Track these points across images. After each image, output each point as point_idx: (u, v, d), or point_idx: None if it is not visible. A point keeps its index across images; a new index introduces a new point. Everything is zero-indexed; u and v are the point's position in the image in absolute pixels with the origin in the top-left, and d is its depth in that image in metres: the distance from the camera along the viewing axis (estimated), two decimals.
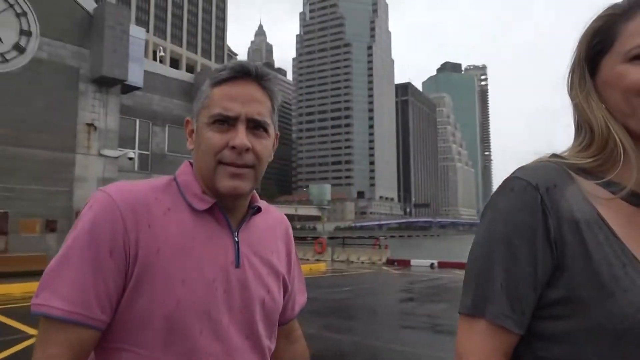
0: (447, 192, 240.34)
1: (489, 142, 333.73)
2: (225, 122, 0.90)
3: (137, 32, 16.90)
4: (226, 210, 0.94)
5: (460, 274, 15.54)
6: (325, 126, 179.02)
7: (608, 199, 0.72)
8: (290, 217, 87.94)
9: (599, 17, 0.77)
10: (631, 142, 0.72)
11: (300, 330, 1.21)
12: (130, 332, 0.86)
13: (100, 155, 15.30)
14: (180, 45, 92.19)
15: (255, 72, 0.93)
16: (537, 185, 0.72)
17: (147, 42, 76.23)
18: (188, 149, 0.96)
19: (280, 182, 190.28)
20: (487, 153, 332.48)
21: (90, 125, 15.22)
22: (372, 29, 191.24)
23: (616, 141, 0.72)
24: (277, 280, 1.02)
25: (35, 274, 8.29)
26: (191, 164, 0.98)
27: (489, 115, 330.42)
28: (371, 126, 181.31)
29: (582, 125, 0.77)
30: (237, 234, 0.95)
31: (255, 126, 0.92)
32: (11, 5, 13.76)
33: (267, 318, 0.98)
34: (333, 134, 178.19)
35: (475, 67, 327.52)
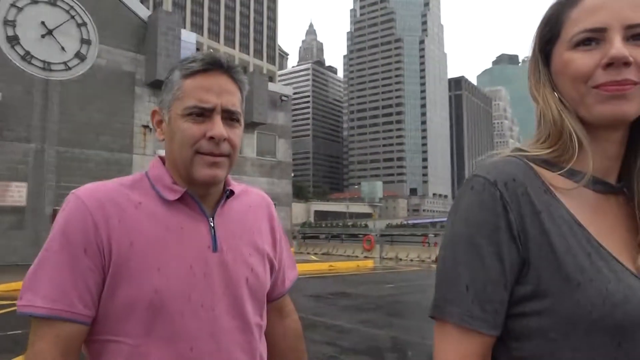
0: None
1: None
2: (201, 114, 0.93)
3: (188, 37, 17.61)
4: (199, 197, 0.98)
5: None
6: (377, 123, 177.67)
7: (571, 189, 0.71)
8: (342, 215, 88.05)
9: (550, 7, 0.76)
10: (583, 130, 0.71)
11: (292, 305, 1.25)
12: (114, 323, 0.90)
13: (156, 154, 16.12)
14: (233, 47, 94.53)
15: (226, 64, 0.97)
16: (495, 181, 0.71)
17: (201, 44, 78.81)
18: (158, 139, 1.01)
19: (332, 180, 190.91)
20: None
21: (145, 126, 16.04)
22: (424, 23, 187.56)
23: (570, 130, 0.71)
24: (262, 258, 1.05)
25: None
26: (161, 158, 1.02)
27: None
28: (424, 122, 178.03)
29: (540, 116, 0.76)
30: (213, 219, 0.98)
31: (230, 117, 0.96)
32: (72, 17, 14.74)
33: (253, 296, 1.01)
34: (385, 131, 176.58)
35: None
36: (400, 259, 20.99)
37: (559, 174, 0.72)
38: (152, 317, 0.89)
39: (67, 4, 14.66)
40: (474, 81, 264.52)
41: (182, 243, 0.94)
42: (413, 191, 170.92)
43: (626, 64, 0.67)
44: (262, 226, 1.09)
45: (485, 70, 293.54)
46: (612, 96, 0.68)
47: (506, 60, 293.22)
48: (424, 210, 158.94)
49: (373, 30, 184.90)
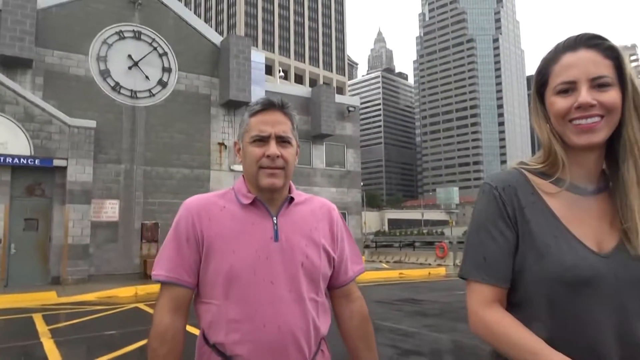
0: None
1: None
2: (262, 140, 1.32)
3: (257, 57, 18.56)
4: (267, 201, 1.36)
5: None
6: (451, 127, 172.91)
7: (556, 192, 1.04)
8: (417, 222, 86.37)
9: (541, 61, 1.08)
10: (563, 152, 1.03)
11: (360, 293, 1.53)
12: (208, 289, 1.31)
13: (231, 170, 17.11)
14: (303, 61, 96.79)
15: (278, 103, 1.36)
16: (496, 187, 1.06)
17: (272, 61, 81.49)
18: (238, 161, 1.47)
19: (405, 187, 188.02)
20: None
21: (221, 144, 17.13)
22: (498, 21, 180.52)
23: (555, 152, 1.03)
24: (317, 249, 1.36)
25: None
26: (244, 177, 1.41)
27: None
28: (501, 123, 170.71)
29: (539, 140, 1.09)
30: (276, 218, 1.34)
31: (282, 140, 1.34)
32: (155, 48, 16.17)
33: (309, 277, 1.33)
34: (459, 135, 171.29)
35: (623, 48, 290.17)
36: None
37: (549, 182, 1.05)
38: (229, 285, 1.28)
39: (150, 37, 16.12)
40: None
41: (252, 234, 1.32)
42: None
43: (591, 106, 0.98)
44: (321, 226, 1.41)
45: None
46: (585, 130, 0.99)
47: None
48: None
49: (443, 33, 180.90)
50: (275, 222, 1.34)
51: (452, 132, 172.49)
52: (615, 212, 1.03)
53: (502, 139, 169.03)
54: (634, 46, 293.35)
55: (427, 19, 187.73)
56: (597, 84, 0.98)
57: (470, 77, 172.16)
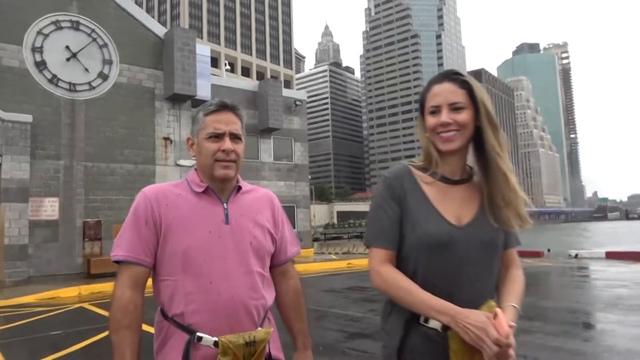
0: (530, 179, 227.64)
1: (575, 125, 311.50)
2: (217, 136, 1.52)
3: (203, 50, 18.29)
4: (218, 190, 1.55)
5: (529, 262, 15.30)
6: (397, 120, 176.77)
7: (431, 182, 1.43)
8: (366, 214, 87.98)
9: (422, 91, 1.46)
10: (436, 154, 1.42)
11: (295, 271, 1.76)
12: (165, 267, 1.47)
13: (177, 165, 16.82)
14: (250, 54, 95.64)
15: (231, 105, 1.56)
16: (389, 177, 1.44)
17: (218, 53, 79.98)
18: (191, 155, 1.61)
19: (354, 180, 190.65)
20: (572, 136, 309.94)
21: (166, 139, 16.80)
22: (440, 17, 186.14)
23: (431, 154, 1.43)
24: (262, 230, 1.58)
25: None
26: (196, 170, 1.60)
27: (573, 96, 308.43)
28: None
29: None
30: (226, 204, 1.54)
31: (234, 137, 1.54)
32: (94, 39, 15.59)
33: (256, 253, 1.53)
34: (405, 128, 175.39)
35: (555, 45, 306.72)
36: None
37: (428, 174, 1.45)
38: (185, 262, 1.44)
39: (89, 27, 15.51)
40: (495, 73, 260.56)
41: (205, 218, 1.50)
42: None
43: (449, 124, 1.37)
44: (265, 211, 1.63)
45: (506, 60, 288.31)
46: (446, 140, 1.38)
47: (526, 49, 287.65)
48: None
49: (389, 28, 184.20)
50: (225, 207, 1.54)
51: (398, 125, 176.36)
52: (473, 195, 1.43)
53: None
54: (565, 44, 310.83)
55: (372, 14, 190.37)
56: (454, 107, 1.37)
57: (414, 72, 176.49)
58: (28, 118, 13.38)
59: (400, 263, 1.39)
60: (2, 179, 12.72)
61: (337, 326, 6.71)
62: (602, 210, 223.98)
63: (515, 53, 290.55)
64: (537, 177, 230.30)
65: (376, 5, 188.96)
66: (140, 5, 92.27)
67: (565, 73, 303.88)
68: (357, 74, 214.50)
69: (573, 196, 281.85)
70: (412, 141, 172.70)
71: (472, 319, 1.22)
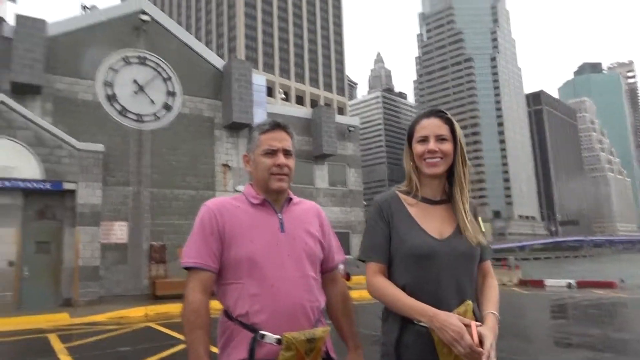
0: (600, 206, 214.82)
1: None
2: (272, 153, 1.70)
3: (259, 80, 19.03)
4: (272, 202, 1.72)
5: (600, 293, 14.39)
6: None
7: (414, 203, 1.69)
8: None
9: (411, 123, 1.72)
10: (417, 179, 1.70)
11: (341, 277, 1.91)
12: (230, 272, 1.62)
13: (235, 190, 17.39)
14: (303, 82, 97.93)
15: (282, 124, 1.75)
16: (379, 202, 1.71)
17: (273, 83, 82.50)
18: (247, 170, 1.80)
19: None
20: None
21: (225, 165, 17.46)
22: (494, 40, 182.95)
23: (413, 179, 1.70)
24: (313, 238, 1.74)
25: None
26: (251, 184, 1.78)
27: None
28: (502, 141, 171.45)
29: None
30: (281, 214, 1.71)
31: (286, 153, 1.72)
32: (159, 73, 16.65)
33: (309, 259, 1.69)
34: None
35: (620, 64, 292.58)
36: None
37: (411, 197, 1.70)
38: (249, 267, 1.60)
39: (154, 62, 16.60)
40: (555, 94, 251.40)
41: (263, 227, 1.67)
42: (496, 214, 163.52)
43: (435, 152, 1.63)
44: (313, 221, 1.79)
45: (567, 81, 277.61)
46: (431, 165, 1.64)
47: (588, 69, 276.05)
48: (509, 234, 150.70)
49: (442, 52, 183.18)
50: (280, 217, 1.70)
51: None
52: (452, 214, 1.67)
53: (504, 157, 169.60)
54: (631, 62, 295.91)
55: (425, 39, 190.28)
56: (439, 139, 1.64)
57: (469, 96, 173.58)
58: (100, 147, 14.36)
59: (393, 273, 1.63)
60: (77, 204, 13.65)
61: None
62: None
63: (576, 73, 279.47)
64: (607, 204, 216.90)
65: (428, 31, 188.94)
66: (200, 39, 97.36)
67: (632, 93, 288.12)
68: (410, 99, 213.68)
69: None
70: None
71: (447, 321, 1.44)
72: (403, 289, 1.57)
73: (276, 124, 1.74)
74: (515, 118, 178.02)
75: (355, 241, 21.62)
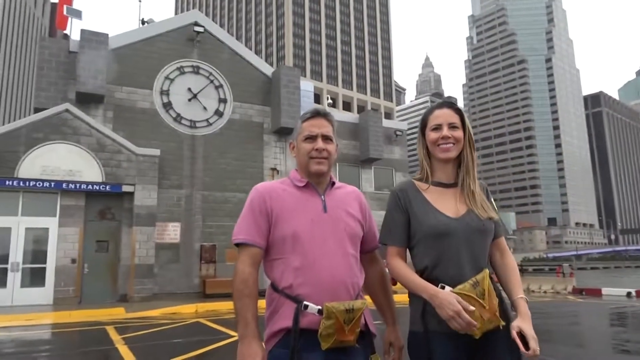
0: None
1: None
2: (311, 138, 1.83)
3: (306, 86, 19.39)
4: (316, 184, 1.84)
5: None
6: (504, 150, 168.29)
7: (428, 187, 1.85)
8: None
9: (424, 114, 1.90)
10: (428, 166, 1.88)
11: (380, 257, 1.98)
12: (276, 248, 1.75)
13: None
14: (351, 89, 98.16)
15: (322, 112, 1.88)
16: (396, 190, 1.87)
17: (320, 90, 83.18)
18: (292, 156, 1.92)
19: None
20: None
21: (273, 169, 17.88)
22: (550, 40, 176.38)
23: (425, 167, 1.88)
24: (353, 219, 1.84)
25: None
26: (296, 169, 1.90)
27: None
28: (558, 145, 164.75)
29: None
30: (324, 196, 1.83)
31: (326, 138, 1.84)
32: (211, 81, 17.33)
33: (349, 238, 1.79)
34: (513, 158, 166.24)
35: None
36: (532, 291, 19.87)
37: (424, 182, 1.87)
38: (293, 243, 1.73)
39: (207, 71, 17.30)
40: (616, 95, 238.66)
41: (307, 207, 1.79)
42: (552, 221, 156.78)
43: (448, 138, 1.80)
44: (353, 203, 1.90)
45: (629, 82, 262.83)
46: (445, 150, 1.81)
47: None
48: (566, 242, 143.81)
49: (493, 55, 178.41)
50: (323, 199, 1.82)
51: (506, 155, 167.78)
52: (460, 196, 1.81)
53: (560, 162, 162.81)
54: None
55: (475, 42, 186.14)
56: (452, 126, 1.81)
57: (523, 99, 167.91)
58: (156, 152, 15.12)
59: (417, 254, 1.79)
60: (135, 205, 14.43)
61: None
62: None
63: (638, 73, 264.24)
64: None
65: (478, 33, 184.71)
66: (250, 48, 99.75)
67: None
68: (460, 104, 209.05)
69: None
70: (523, 172, 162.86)
71: (446, 300, 1.59)
72: (426, 267, 1.73)
73: (317, 112, 1.86)
74: (572, 121, 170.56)
75: None
